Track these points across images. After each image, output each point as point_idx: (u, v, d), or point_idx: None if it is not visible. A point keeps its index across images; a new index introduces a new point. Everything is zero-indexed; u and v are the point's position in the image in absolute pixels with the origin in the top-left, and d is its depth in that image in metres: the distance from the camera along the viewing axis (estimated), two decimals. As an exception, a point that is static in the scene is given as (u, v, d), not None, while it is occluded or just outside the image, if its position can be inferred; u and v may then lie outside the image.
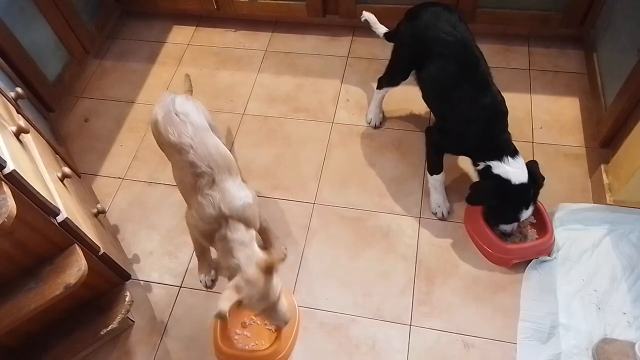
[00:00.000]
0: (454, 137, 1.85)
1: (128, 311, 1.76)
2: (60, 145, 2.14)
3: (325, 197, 2.11)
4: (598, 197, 1.95)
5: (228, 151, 1.68)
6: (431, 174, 1.97)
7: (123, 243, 2.06)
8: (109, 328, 1.71)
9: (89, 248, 1.58)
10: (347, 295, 1.86)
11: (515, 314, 1.77)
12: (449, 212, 1.99)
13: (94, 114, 2.49)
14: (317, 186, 2.14)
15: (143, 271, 1.99)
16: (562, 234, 1.89)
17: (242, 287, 1.45)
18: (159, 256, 2.02)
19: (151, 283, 1.96)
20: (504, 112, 1.78)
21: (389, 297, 1.85)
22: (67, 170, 1.67)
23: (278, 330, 1.70)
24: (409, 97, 2.22)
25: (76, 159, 2.31)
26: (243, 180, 1.71)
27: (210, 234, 1.54)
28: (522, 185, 1.72)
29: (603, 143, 1.99)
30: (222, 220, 1.51)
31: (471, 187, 1.82)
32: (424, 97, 1.99)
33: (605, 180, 1.90)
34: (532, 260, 1.84)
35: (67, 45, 2.30)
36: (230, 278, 1.50)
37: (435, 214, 2.00)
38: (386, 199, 2.08)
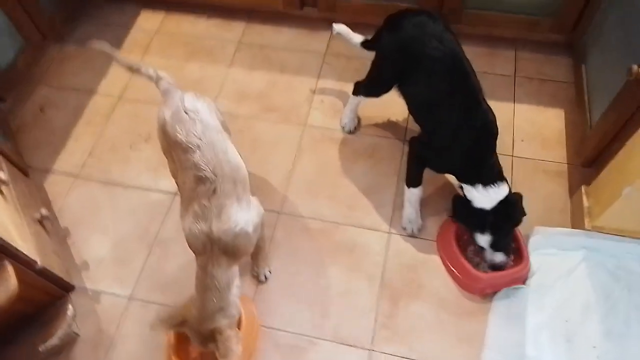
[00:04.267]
0: (438, 155, 1.74)
1: (70, 326, 1.65)
2: (9, 139, 1.99)
3: (291, 206, 1.99)
4: (577, 219, 1.85)
5: (241, 161, 1.52)
6: (409, 187, 1.85)
7: (73, 248, 1.94)
8: (48, 344, 1.59)
9: (24, 263, 1.46)
10: (306, 314, 1.76)
11: (481, 342, 1.68)
12: (419, 229, 1.89)
13: (51, 104, 2.33)
14: (284, 194, 2.02)
15: (92, 279, 1.87)
16: (536, 258, 1.79)
17: (189, 327, 1.37)
18: (110, 264, 1.90)
19: (100, 292, 1.84)
20: (494, 134, 1.67)
21: (349, 319, 1.75)
22: (2, 175, 1.53)
23: None
24: (387, 102, 2.07)
25: (29, 153, 2.16)
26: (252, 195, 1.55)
27: (194, 249, 1.41)
28: (480, 210, 1.63)
29: (586, 162, 1.88)
30: (208, 244, 1.37)
31: (452, 198, 1.75)
32: (409, 110, 1.86)
33: (585, 203, 1.80)
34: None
35: (20, 29, 2.13)
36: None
37: (405, 229, 1.89)
38: (355, 210, 1.97)
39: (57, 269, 1.64)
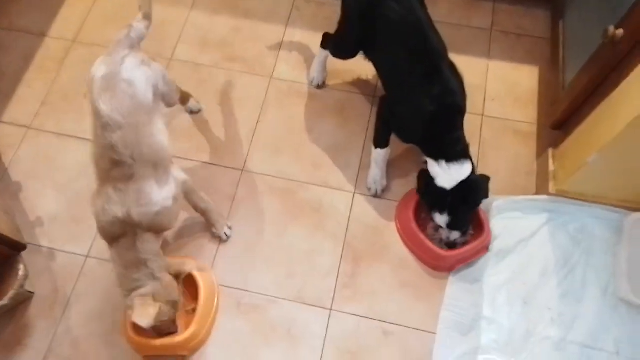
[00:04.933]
0: (401, 124, 1.67)
1: (22, 286, 1.60)
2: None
3: (255, 164, 1.93)
4: (541, 182, 1.84)
5: (164, 141, 1.42)
6: (375, 147, 1.80)
7: (25, 203, 1.86)
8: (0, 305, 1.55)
9: (-35, 224, 1.38)
10: (268, 274, 1.75)
11: (440, 303, 1.70)
12: (383, 190, 1.85)
13: (0, 47, 2.16)
14: (248, 151, 1.95)
15: (47, 236, 1.81)
16: (499, 222, 1.79)
17: (160, 294, 1.35)
18: (65, 221, 1.83)
19: (55, 250, 1.78)
20: (456, 107, 1.57)
21: (312, 279, 1.74)
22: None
23: (193, 312, 1.59)
24: (358, 57, 1.99)
25: (-25, 101, 2.02)
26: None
27: (110, 235, 1.36)
28: (441, 189, 1.58)
29: (555, 125, 1.85)
30: (128, 227, 1.32)
31: (419, 172, 1.69)
32: (378, 76, 1.78)
33: (551, 167, 1.78)
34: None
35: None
36: (133, 290, 1.36)
37: (369, 189, 1.86)
38: (321, 169, 1.92)
39: (5, 229, 1.57)
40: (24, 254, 1.69)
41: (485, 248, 1.75)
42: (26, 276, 1.62)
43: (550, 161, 1.79)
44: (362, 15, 1.62)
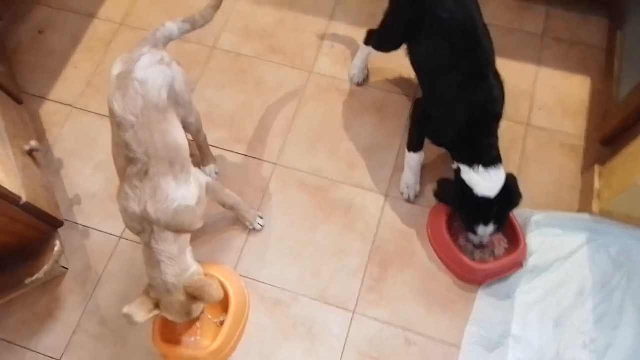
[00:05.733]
0: (435, 126, 1.62)
1: (56, 262, 1.65)
2: (2, 63, 1.91)
3: (289, 158, 1.92)
4: (585, 199, 1.76)
5: (181, 141, 1.39)
6: (409, 151, 1.75)
7: (65, 181, 1.91)
8: (34, 278, 1.60)
9: (7, 198, 1.43)
10: (294, 270, 1.74)
11: (467, 316, 1.65)
12: (416, 196, 1.81)
13: (50, 26, 2.22)
14: (282, 145, 1.94)
15: (83, 214, 1.86)
16: (537, 238, 1.72)
17: (164, 306, 1.36)
18: (102, 200, 1.88)
19: (90, 229, 1.83)
20: (495, 115, 1.52)
21: (337, 279, 1.72)
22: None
23: (221, 325, 1.57)
24: (400, 54, 1.94)
25: (25, 78, 2.09)
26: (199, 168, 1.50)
27: (134, 231, 1.36)
28: (484, 199, 1.51)
29: (604, 140, 1.76)
30: (145, 224, 1.32)
31: (438, 182, 1.63)
32: (414, 71, 1.73)
33: (596, 184, 1.70)
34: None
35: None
36: (150, 287, 1.38)
37: (402, 194, 1.82)
38: (355, 169, 1.89)
39: (44, 205, 1.62)
40: (60, 230, 1.74)
41: (520, 264, 1.68)
42: (61, 252, 1.66)
43: (596, 178, 1.71)
44: (412, 3, 1.57)
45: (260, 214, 1.79)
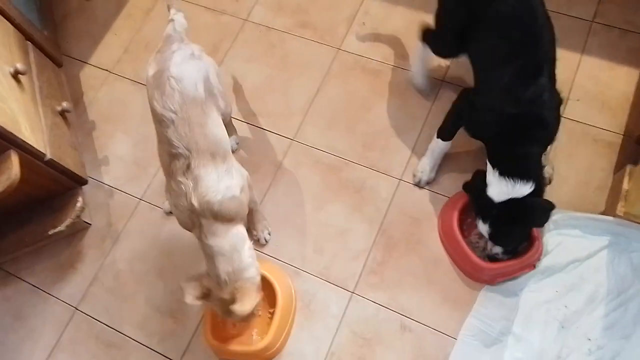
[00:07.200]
0: (476, 116, 1.53)
1: (78, 217, 1.76)
2: (47, 27, 2.03)
3: (306, 135, 1.92)
4: (612, 201, 1.64)
5: (221, 133, 1.41)
6: (438, 137, 1.69)
7: (96, 142, 2.02)
8: (57, 230, 1.73)
9: (31, 154, 1.54)
10: (298, 246, 1.76)
11: (467, 308, 1.61)
12: (428, 182, 1.76)
13: (97, -7, 2.32)
14: (302, 121, 1.94)
15: (110, 175, 1.96)
16: (554, 238, 1.63)
17: (213, 298, 1.37)
18: (128, 163, 1.97)
19: (114, 189, 1.94)
20: (542, 121, 1.42)
21: (340, 258, 1.73)
22: (19, 66, 1.57)
23: (272, 317, 1.59)
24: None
25: (70, 42, 2.21)
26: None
27: (187, 224, 1.39)
28: (488, 199, 1.45)
29: (640, 139, 1.62)
30: (195, 217, 1.33)
31: (475, 172, 1.57)
32: (470, 62, 1.61)
33: (625, 185, 1.58)
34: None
35: None
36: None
37: (414, 176, 1.78)
38: (370, 151, 1.87)
39: (70, 163, 1.73)
40: (86, 188, 1.86)
41: (532, 265, 1.60)
42: (83, 208, 1.78)
43: (626, 179, 1.59)
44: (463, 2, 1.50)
45: (270, 228, 1.77)
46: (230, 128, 1.85)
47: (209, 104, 1.40)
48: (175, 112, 1.32)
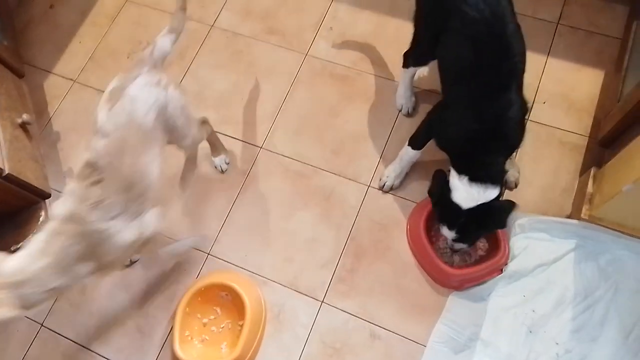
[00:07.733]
0: (443, 129, 1.51)
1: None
2: (7, 38, 1.98)
3: (274, 142, 1.90)
4: (577, 204, 1.65)
5: (152, 170, 1.32)
6: (409, 145, 1.67)
7: (61, 153, 1.98)
8: (20, 246, 1.68)
9: (-12, 170, 1.50)
10: (267, 256, 1.74)
11: (436, 314, 1.61)
12: (392, 188, 1.76)
13: (60, 0, 2.27)
14: (270, 128, 1.92)
15: (75, 187, 1.92)
16: (521, 242, 1.63)
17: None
18: (92, 175, 1.93)
19: (79, 201, 1.90)
20: (505, 138, 1.39)
21: (309, 268, 1.71)
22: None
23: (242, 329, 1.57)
24: (403, 39, 1.84)
25: (33, 51, 2.16)
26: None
27: None
28: (455, 206, 1.42)
29: (603, 141, 1.63)
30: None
31: (435, 172, 1.54)
32: (439, 71, 1.57)
33: (589, 188, 1.59)
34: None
35: None
36: None
37: (380, 179, 1.77)
38: (339, 157, 1.85)
39: (31, 176, 1.69)
40: (50, 200, 1.82)
41: (499, 270, 1.61)
42: (46, 222, 1.73)
43: (590, 182, 1.60)
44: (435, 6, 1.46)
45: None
46: (218, 147, 1.82)
47: (156, 135, 1.34)
48: (114, 129, 1.27)
